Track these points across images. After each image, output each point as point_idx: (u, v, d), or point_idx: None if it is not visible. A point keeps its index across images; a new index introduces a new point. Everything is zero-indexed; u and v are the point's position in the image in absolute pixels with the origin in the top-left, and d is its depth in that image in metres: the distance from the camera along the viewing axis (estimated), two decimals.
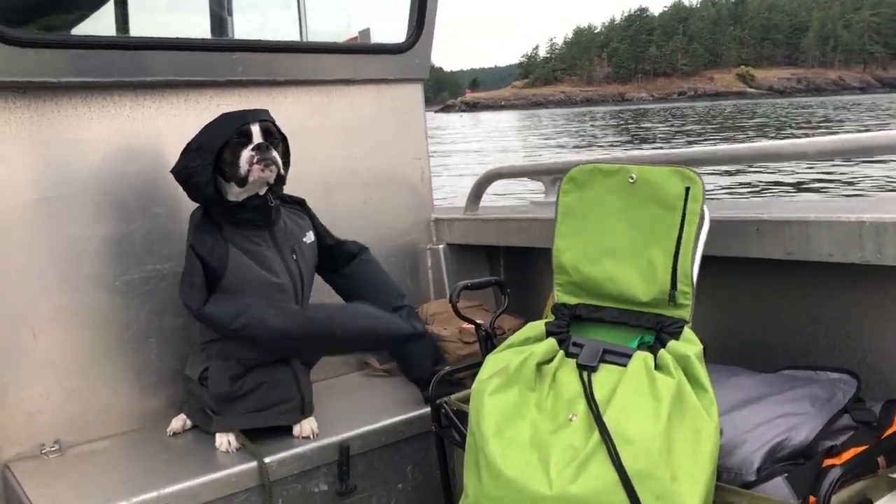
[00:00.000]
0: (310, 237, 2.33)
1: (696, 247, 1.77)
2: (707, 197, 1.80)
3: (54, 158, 2.27)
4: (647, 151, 2.52)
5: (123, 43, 2.35)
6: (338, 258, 2.44)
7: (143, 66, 2.34)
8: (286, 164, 2.26)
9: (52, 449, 2.27)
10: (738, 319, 2.27)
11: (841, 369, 1.88)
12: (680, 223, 1.70)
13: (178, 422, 2.36)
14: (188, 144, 2.17)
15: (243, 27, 2.91)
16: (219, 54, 2.47)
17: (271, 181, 2.14)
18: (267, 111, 2.21)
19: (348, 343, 2.21)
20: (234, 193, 2.16)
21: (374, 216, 2.94)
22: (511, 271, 3.10)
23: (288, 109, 2.70)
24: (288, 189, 2.39)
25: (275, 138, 2.15)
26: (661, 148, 21.94)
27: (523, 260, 3.01)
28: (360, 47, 2.83)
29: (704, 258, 1.90)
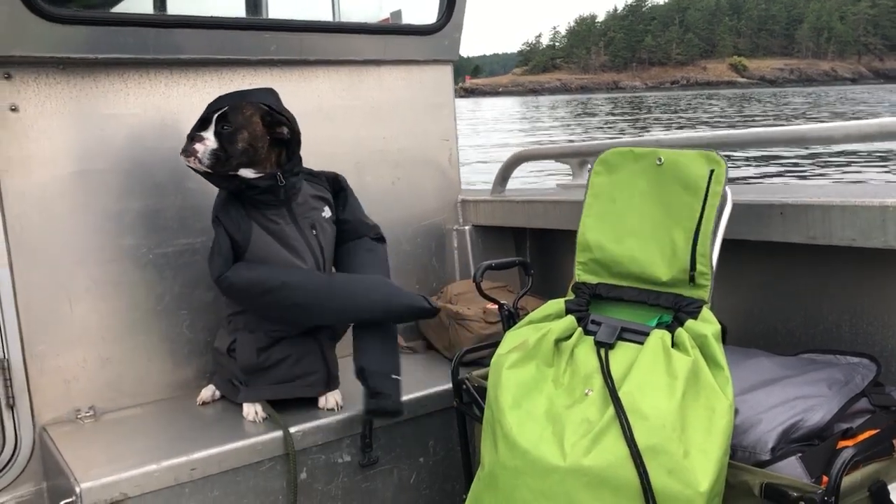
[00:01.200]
0: (327, 212, 2.35)
1: (716, 228, 1.79)
2: (731, 182, 1.81)
3: (92, 133, 2.34)
4: (671, 135, 2.52)
5: (159, 21, 2.40)
6: (345, 231, 2.41)
7: (178, 44, 2.39)
8: (255, 146, 2.16)
9: (87, 414, 2.35)
10: (761, 304, 2.27)
11: (861, 354, 1.88)
12: (702, 205, 1.71)
13: (208, 392, 2.43)
14: None
15: (277, 7, 2.95)
16: (252, 33, 2.52)
17: (198, 167, 2.13)
18: (241, 93, 2.20)
19: (365, 311, 2.22)
20: (248, 172, 2.18)
21: (402, 196, 2.98)
22: (537, 253, 3.12)
23: (319, 88, 2.74)
24: (319, 168, 2.43)
25: (226, 124, 2.12)
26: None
27: (549, 242, 3.03)
28: (390, 28, 2.86)
29: (728, 242, 1.91)
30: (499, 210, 3.01)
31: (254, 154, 2.15)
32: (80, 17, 2.21)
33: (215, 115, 2.12)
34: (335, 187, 2.42)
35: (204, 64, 2.48)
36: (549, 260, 3.03)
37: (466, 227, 3.10)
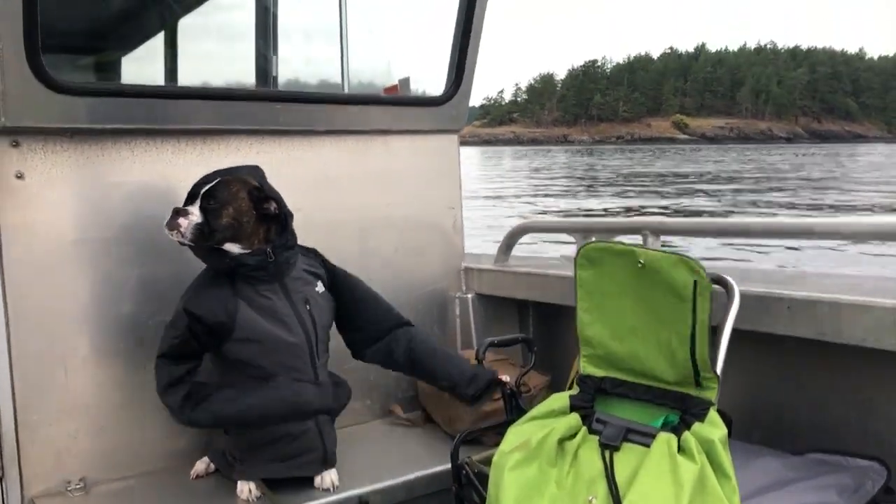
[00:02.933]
0: (320, 287, 2.32)
1: (722, 331, 1.78)
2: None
3: (96, 201, 2.33)
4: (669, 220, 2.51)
5: (168, 92, 2.42)
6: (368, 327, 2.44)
7: (187, 115, 2.40)
8: (241, 221, 2.16)
9: (77, 486, 2.31)
10: (767, 395, 2.24)
11: (871, 457, 1.84)
12: (692, 316, 1.68)
13: (202, 465, 2.38)
14: None
15: (288, 76, 2.97)
16: (261, 104, 2.53)
17: (181, 241, 2.13)
18: (229, 171, 2.21)
19: (262, 420, 2.19)
20: (233, 247, 2.17)
21: (406, 262, 2.96)
22: (540, 326, 3.09)
23: (326, 157, 2.74)
24: (323, 235, 2.43)
25: (213, 199, 2.12)
26: None
27: (553, 315, 3.00)
28: (398, 99, 2.87)
29: (734, 330, 1.88)
30: (502, 280, 2.99)
31: (239, 229, 2.15)
32: (89, 89, 2.22)
33: (202, 191, 2.13)
34: (322, 261, 2.40)
35: (211, 133, 2.49)
36: (553, 333, 3.00)
37: (469, 295, 3.07)
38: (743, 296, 1.98)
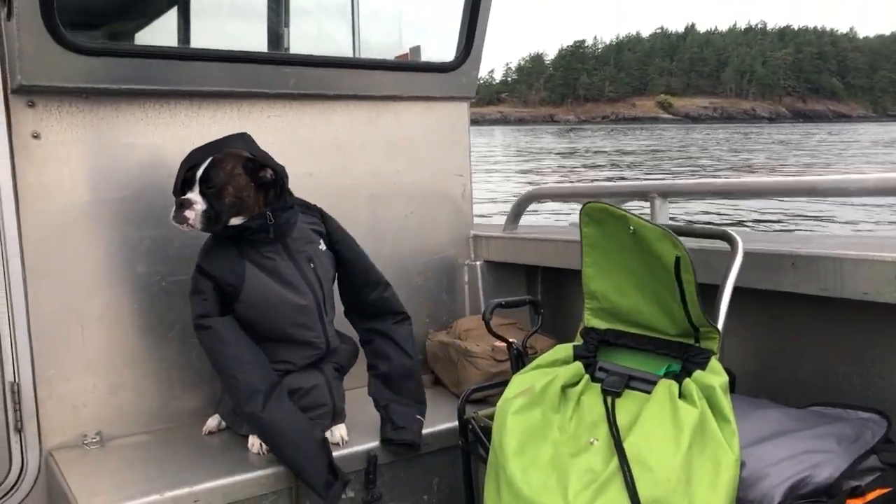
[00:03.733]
0: (323, 245, 2.34)
1: (725, 285, 1.80)
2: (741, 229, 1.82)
3: (111, 161, 2.37)
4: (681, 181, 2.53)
5: (182, 54, 2.44)
6: (353, 277, 2.42)
7: (199, 77, 2.43)
8: (243, 196, 2.17)
9: (94, 440, 2.36)
10: (771, 353, 2.26)
11: (871, 409, 1.86)
12: (678, 287, 1.69)
13: (214, 421, 2.43)
14: None
15: (299, 41, 2.99)
16: (272, 67, 2.55)
17: (192, 231, 2.14)
18: (222, 147, 2.19)
19: (276, 451, 2.15)
20: (237, 220, 2.18)
21: (415, 230, 2.99)
22: (547, 291, 3.12)
23: (336, 123, 2.77)
24: (334, 200, 2.46)
25: (210, 183, 2.12)
26: None
27: (560, 280, 3.03)
28: (409, 65, 2.89)
29: (739, 289, 1.91)
30: (510, 247, 3.02)
31: (241, 204, 2.17)
32: (104, 49, 2.25)
33: (198, 176, 2.13)
34: (324, 220, 2.41)
35: (224, 96, 2.52)
36: (560, 298, 3.03)
37: (478, 263, 3.10)
38: (748, 254, 2.00)
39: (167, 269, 2.47)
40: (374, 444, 2.29)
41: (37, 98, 2.25)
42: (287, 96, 2.63)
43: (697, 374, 1.60)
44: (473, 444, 2.15)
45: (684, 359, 1.68)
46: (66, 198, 2.31)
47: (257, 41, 2.90)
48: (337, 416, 2.32)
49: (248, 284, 2.18)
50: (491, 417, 2.03)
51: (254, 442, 2.24)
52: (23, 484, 2.29)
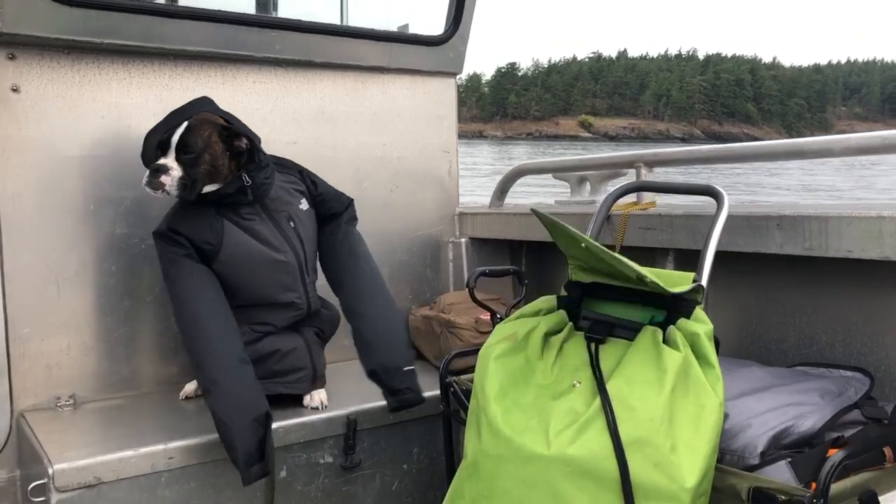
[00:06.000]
0: (304, 204, 2.31)
1: (710, 239, 1.78)
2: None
3: (92, 119, 2.34)
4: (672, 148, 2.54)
5: (166, 10, 2.42)
6: (321, 206, 2.38)
7: (183, 35, 2.41)
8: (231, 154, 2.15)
9: (67, 403, 2.32)
10: (755, 319, 2.25)
11: (855, 368, 1.85)
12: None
13: (192, 385, 2.39)
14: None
15: (287, 8, 2.95)
16: (258, 30, 2.53)
17: (167, 194, 2.09)
18: (202, 112, 2.16)
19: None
20: (211, 187, 2.14)
21: (399, 205, 2.97)
22: (532, 266, 3.10)
23: (322, 92, 2.75)
24: (318, 171, 2.42)
25: (187, 149, 2.07)
26: None
27: (544, 256, 3.02)
28: (396, 35, 2.88)
29: (724, 254, 1.90)
30: (495, 222, 3.00)
31: (215, 172, 2.13)
32: (88, 1, 2.22)
33: (174, 141, 2.07)
34: (304, 177, 2.37)
35: (208, 58, 2.50)
36: (545, 272, 3.01)
37: (463, 240, 3.08)
38: (734, 217, 2.00)
39: (147, 232, 2.42)
40: (354, 408, 2.26)
41: (17, 51, 2.22)
42: (273, 62, 2.61)
43: (682, 321, 1.58)
44: (455, 411, 2.12)
45: (669, 308, 1.66)
46: (45, 153, 2.28)
47: (247, 3, 2.87)
48: (317, 381, 2.29)
49: (227, 240, 2.14)
50: (472, 381, 2.00)
51: None
52: None
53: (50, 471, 1.86)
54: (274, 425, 2.10)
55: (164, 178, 2.07)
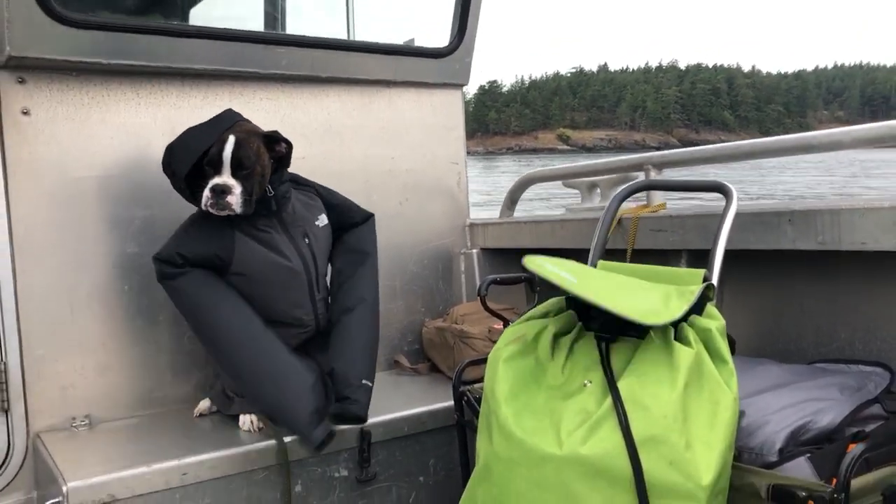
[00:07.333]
0: (322, 220, 2.32)
1: (720, 235, 1.77)
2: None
3: (101, 140, 2.36)
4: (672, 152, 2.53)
5: (172, 30, 2.44)
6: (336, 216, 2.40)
7: (190, 54, 2.42)
8: (271, 169, 2.17)
9: (83, 423, 2.32)
10: (771, 319, 2.22)
11: (874, 362, 1.82)
12: None
13: (205, 403, 2.39)
14: (164, 155, 2.16)
15: (295, 25, 2.98)
16: (264, 47, 2.55)
17: (233, 213, 2.09)
18: (238, 123, 2.15)
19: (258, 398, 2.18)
20: None
21: (410, 218, 2.96)
22: None
23: (329, 107, 2.76)
24: (330, 185, 2.43)
25: (242, 166, 2.07)
26: None
27: None
28: (402, 49, 2.88)
29: (737, 252, 1.87)
30: (507, 232, 2.99)
31: (264, 182, 2.14)
32: (94, 23, 2.25)
33: (227, 158, 2.05)
34: (320, 195, 2.39)
35: (216, 76, 2.51)
36: None
37: (474, 251, 3.07)
38: (745, 214, 1.97)
39: (157, 250, 2.44)
40: (368, 421, 2.24)
41: (27, 74, 2.24)
42: (279, 78, 2.63)
43: (693, 318, 1.56)
44: (469, 421, 2.10)
45: None
46: (56, 175, 2.30)
47: (254, 22, 2.90)
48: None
49: (239, 251, 2.15)
50: None
51: (245, 420, 2.20)
52: (9, 467, 2.23)
53: (64, 489, 1.86)
54: (287, 439, 2.10)
55: (230, 199, 2.05)
